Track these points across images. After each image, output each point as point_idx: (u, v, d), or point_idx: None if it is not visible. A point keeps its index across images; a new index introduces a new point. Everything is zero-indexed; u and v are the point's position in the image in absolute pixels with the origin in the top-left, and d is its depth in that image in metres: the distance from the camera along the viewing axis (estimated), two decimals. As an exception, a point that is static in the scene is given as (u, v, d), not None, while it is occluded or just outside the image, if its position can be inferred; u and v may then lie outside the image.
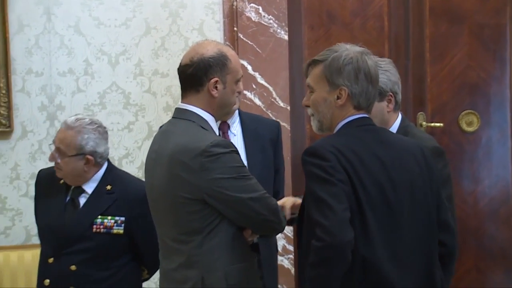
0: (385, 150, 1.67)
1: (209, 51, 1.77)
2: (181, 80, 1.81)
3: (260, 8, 2.87)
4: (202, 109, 1.78)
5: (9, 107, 2.73)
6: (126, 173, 2.32)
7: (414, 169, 1.69)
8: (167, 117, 2.63)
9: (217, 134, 1.90)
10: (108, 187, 2.14)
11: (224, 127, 2.31)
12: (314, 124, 1.74)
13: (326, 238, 1.52)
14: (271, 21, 2.89)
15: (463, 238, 2.94)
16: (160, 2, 2.84)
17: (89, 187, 2.13)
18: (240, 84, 1.85)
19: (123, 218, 2.11)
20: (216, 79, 1.75)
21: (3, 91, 2.73)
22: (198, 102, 1.77)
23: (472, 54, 3.15)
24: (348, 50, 1.67)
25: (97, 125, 2.12)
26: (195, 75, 1.77)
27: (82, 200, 2.14)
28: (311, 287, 1.60)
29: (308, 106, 1.71)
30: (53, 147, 2.13)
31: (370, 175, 1.63)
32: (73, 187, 2.14)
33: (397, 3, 3.12)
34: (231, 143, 1.81)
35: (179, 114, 1.82)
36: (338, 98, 1.66)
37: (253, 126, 2.37)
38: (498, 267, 3.16)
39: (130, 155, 2.87)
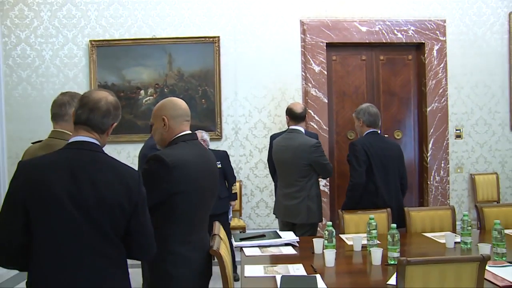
0: (382, 144, 4.62)
1: (300, 107, 4.87)
2: (292, 117, 4.83)
3: (316, 90, 7.22)
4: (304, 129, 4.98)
5: (220, 129, 7.06)
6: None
7: (395, 153, 4.64)
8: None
9: None
10: None
11: None
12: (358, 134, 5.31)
13: (354, 180, 4.58)
14: (320, 95, 7.22)
15: None
16: (278, 87, 7.13)
17: None
18: None
19: None
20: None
21: (219, 123, 6.96)
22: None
23: (398, 109, 7.47)
24: (362, 105, 4.76)
25: None
26: (303, 116, 4.84)
27: None
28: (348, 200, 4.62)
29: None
30: None
31: (376, 155, 4.49)
32: None
33: (369, 88, 7.39)
34: None
35: (291, 131, 4.81)
36: (360, 123, 4.69)
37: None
38: (407, 191, 7.58)
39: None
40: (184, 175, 2.73)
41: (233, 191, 5.95)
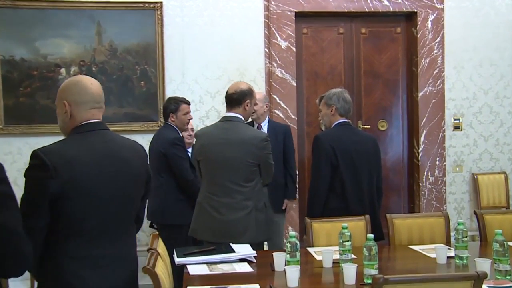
0: (354, 137, 4.83)
1: (244, 86, 4.62)
2: (229, 101, 4.60)
3: (283, 70, 7.23)
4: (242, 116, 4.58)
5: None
6: None
7: (370, 149, 4.83)
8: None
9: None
10: None
11: (259, 126, 5.95)
12: (323, 126, 5.36)
13: (315, 182, 4.79)
14: (288, 77, 7.24)
15: None
16: (235, 67, 7.17)
17: None
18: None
19: None
20: (248, 101, 4.56)
21: (162, 110, 7.00)
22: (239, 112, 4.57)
23: (383, 93, 7.62)
24: (334, 90, 4.91)
25: None
26: (237, 99, 4.56)
27: None
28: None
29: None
30: None
31: (346, 152, 4.68)
32: None
33: (348, 68, 7.52)
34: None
35: (228, 119, 4.57)
36: (331, 111, 4.84)
37: (272, 126, 6.04)
38: (393, 194, 7.62)
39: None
40: (70, 176, 2.72)
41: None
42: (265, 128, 6.05)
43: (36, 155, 2.72)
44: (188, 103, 5.82)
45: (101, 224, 2.85)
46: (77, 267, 2.77)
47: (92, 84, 3.00)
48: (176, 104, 5.71)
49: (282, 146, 6.03)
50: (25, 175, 2.71)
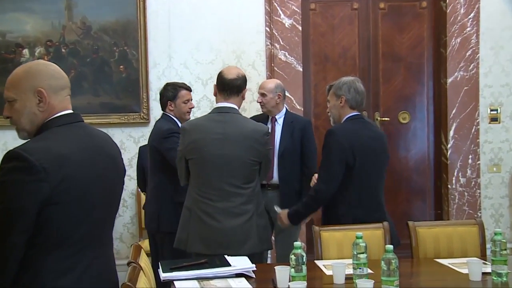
0: (370, 133, 4.77)
1: (242, 71, 4.68)
2: (228, 88, 4.54)
3: (286, 53, 7.24)
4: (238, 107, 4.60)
5: (147, 108, 6.99)
6: None
7: (383, 147, 4.81)
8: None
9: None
10: None
11: (273, 119, 5.83)
12: (331, 120, 4.99)
13: (322, 186, 4.75)
14: (292, 60, 7.24)
15: (399, 182, 7.47)
16: (231, 49, 7.19)
17: None
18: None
19: None
20: (245, 90, 4.62)
21: (145, 100, 6.94)
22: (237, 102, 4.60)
23: (404, 80, 7.61)
24: (345, 78, 4.85)
25: None
26: (239, 86, 4.55)
27: None
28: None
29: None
30: None
31: (364, 151, 4.65)
32: None
33: (363, 49, 7.52)
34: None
35: (225, 110, 4.52)
36: (340, 102, 4.86)
37: (290, 120, 5.82)
38: (417, 198, 7.63)
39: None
40: (62, 178, 2.69)
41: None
42: (280, 122, 5.95)
43: (17, 156, 2.64)
44: (189, 89, 5.78)
45: (90, 233, 2.85)
46: (60, 283, 2.74)
47: (58, 68, 2.98)
48: (174, 91, 5.66)
49: (299, 145, 5.87)
50: (1, 181, 2.63)
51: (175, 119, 5.63)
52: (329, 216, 4.85)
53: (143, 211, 6.35)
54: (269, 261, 6.22)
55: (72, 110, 2.96)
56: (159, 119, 5.81)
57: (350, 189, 4.77)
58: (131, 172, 6.82)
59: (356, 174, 4.73)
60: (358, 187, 4.78)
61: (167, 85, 5.82)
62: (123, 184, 3.15)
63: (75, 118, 2.93)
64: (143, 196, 6.72)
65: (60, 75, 2.92)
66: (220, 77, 4.69)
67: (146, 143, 5.98)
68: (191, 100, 5.76)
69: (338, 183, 4.71)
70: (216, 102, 4.75)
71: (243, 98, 4.70)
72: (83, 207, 2.79)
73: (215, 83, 4.76)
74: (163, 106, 5.72)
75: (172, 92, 5.65)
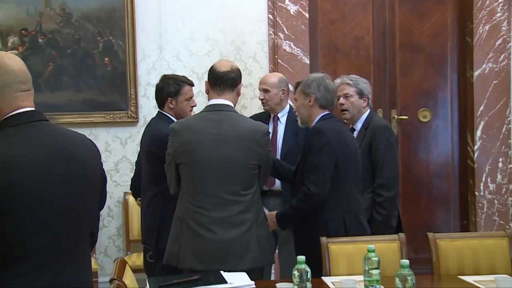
0: (347, 132, 5.03)
1: (236, 65, 4.69)
2: (221, 82, 4.52)
3: (292, 43, 7.23)
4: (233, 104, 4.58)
5: (136, 106, 6.98)
6: None
7: (357, 147, 5.03)
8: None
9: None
10: None
11: (275, 117, 5.84)
12: (299, 121, 5.03)
13: (316, 189, 4.73)
14: (298, 52, 7.23)
15: (419, 188, 7.44)
16: (229, 39, 7.19)
17: None
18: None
19: None
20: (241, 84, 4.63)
21: (133, 96, 6.91)
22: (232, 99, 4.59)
23: (425, 73, 7.57)
24: (313, 75, 4.96)
25: None
26: (234, 79, 4.56)
27: None
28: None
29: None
30: None
31: (348, 149, 4.82)
32: None
33: (378, 39, 7.49)
34: None
35: (218, 107, 4.51)
36: (309, 101, 4.84)
37: (294, 118, 5.45)
38: (440, 206, 7.57)
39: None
40: (12, 183, 2.69)
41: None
42: (283, 120, 5.96)
43: None
44: (192, 84, 5.57)
45: (51, 245, 2.82)
46: None
47: (10, 59, 2.92)
48: (177, 86, 5.40)
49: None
50: None
51: (174, 119, 5.33)
52: (315, 221, 4.83)
53: (130, 222, 6.32)
54: (272, 278, 6.20)
55: (34, 106, 2.95)
56: (154, 118, 5.61)
57: (339, 191, 4.83)
58: (117, 178, 6.85)
59: (342, 175, 4.81)
60: (347, 189, 4.87)
61: (167, 78, 5.55)
62: (99, 190, 3.12)
63: (34, 117, 2.91)
64: (131, 205, 6.71)
65: (4, 71, 2.86)
66: (212, 71, 4.67)
67: (135, 145, 5.93)
68: (193, 97, 5.55)
69: (329, 185, 4.75)
70: (209, 100, 4.70)
71: (238, 95, 4.68)
72: (39, 217, 2.76)
73: (206, 80, 4.73)
74: (161, 103, 5.50)
75: (175, 87, 5.40)
